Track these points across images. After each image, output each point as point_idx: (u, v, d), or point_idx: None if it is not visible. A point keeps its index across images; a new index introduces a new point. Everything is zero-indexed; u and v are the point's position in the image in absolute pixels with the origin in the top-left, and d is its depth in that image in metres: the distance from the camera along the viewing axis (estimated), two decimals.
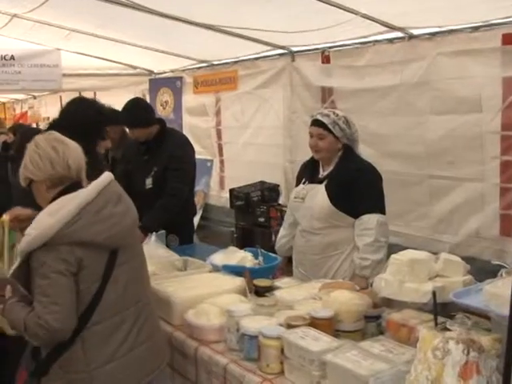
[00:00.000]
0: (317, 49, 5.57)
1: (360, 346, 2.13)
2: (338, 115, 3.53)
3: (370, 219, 3.39)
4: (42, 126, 8.81)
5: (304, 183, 3.67)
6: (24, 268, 2.22)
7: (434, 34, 4.55)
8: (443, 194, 4.61)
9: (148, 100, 8.43)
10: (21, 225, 2.59)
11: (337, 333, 2.38)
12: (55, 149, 2.35)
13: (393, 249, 3.16)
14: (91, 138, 3.07)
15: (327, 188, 3.49)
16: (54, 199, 2.29)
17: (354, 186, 3.42)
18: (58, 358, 2.24)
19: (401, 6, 4.30)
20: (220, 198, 7.33)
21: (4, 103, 14.52)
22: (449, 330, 1.94)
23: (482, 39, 4.20)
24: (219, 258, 3.34)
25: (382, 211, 3.47)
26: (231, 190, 6.49)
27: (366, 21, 4.55)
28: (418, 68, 4.64)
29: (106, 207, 2.29)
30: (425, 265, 2.54)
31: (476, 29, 4.24)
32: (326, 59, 5.50)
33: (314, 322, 2.35)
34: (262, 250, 3.50)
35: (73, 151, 2.40)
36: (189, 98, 7.81)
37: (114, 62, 8.16)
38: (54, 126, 3.09)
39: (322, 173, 3.60)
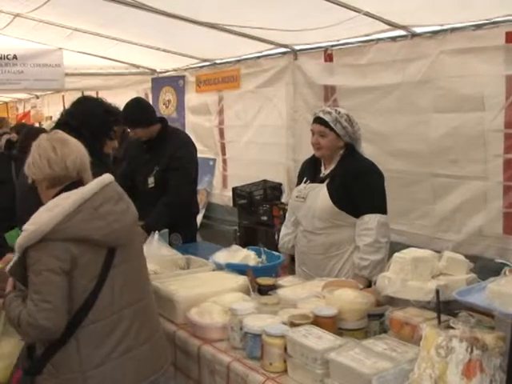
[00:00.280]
0: (319, 47, 5.57)
1: (363, 345, 2.13)
2: (340, 113, 3.49)
3: (371, 219, 3.36)
4: (45, 125, 8.82)
5: (305, 182, 3.63)
6: (21, 264, 2.21)
7: (436, 32, 4.55)
8: (446, 193, 4.61)
9: (151, 99, 8.46)
10: None
11: (340, 331, 2.37)
12: (55, 149, 2.35)
13: (396, 247, 3.14)
14: (99, 138, 3.05)
15: (329, 187, 3.46)
16: (54, 197, 2.30)
17: (356, 185, 3.39)
18: (51, 357, 2.23)
19: (403, 4, 4.30)
20: (223, 196, 7.34)
21: (7, 103, 14.55)
22: (452, 328, 1.93)
23: (485, 37, 4.20)
24: (222, 256, 3.33)
25: (383, 211, 3.44)
26: (234, 189, 6.50)
27: (368, 19, 4.55)
28: (421, 66, 4.64)
29: (106, 205, 2.29)
30: (428, 263, 2.53)
31: (479, 27, 4.24)
32: (328, 57, 5.50)
33: (318, 321, 2.35)
34: (265, 249, 3.49)
35: (73, 151, 2.39)
36: (191, 97, 7.82)
37: (117, 61, 8.18)
38: (61, 125, 3.06)
39: (324, 171, 3.58)
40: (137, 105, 4.45)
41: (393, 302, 2.54)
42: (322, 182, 3.53)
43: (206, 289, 2.87)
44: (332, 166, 3.54)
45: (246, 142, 6.82)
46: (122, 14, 5.71)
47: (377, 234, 3.34)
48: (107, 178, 2.38)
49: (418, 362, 1.87)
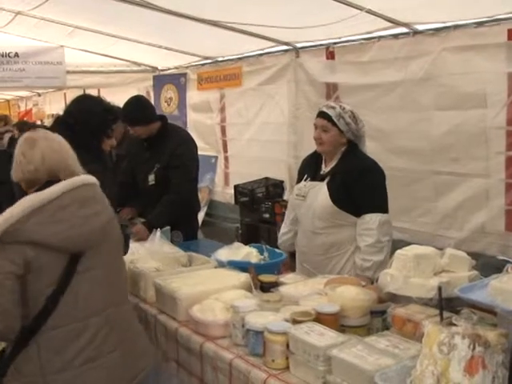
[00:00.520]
0: (321, 45, 5.57)
1: (365, 341, 2.13)
2: (344, 109, 3.43)
3: (372, 219, 3.31)
4: (47, 123, 8.82)
5: (306, 180, 3.59)
6: None
7: (438, 30, 4.55)
8: (448, 190, 4.61)
9: (152, 97, 8.46)
10: None
11: (342, 328, 2.37)
12: (24, 153, 2.34)
13: (398, 245, 3.13)
14: (97, 136, 3.06)
15: (329, 186, 3.41)
16: None
17: (356, 184, 3.34)
18: (14, 359, 2.21)
19: (405, 1, 4.30)
20: (225, 194, 7.34)
21: (8, 100, 14.55)
22: (454, 325, 1.93)
23: (487, 34, 4.19)
24: (224, 253, 3.34)
25: (385, 210, 3.39)
26: (236, 187, 6.50)
27: (370, 16, 4.55)
28: (423, 64, 4.63)
29: (67, 209, 2.23)
30: (430, 260, 2.53)
31: (481, 24, 4.24)
32: (330, 55, 5.50)
33: (320, 318, 2.34)
34: (267, 246, 3.50)
35: (39, 153, 2.32)
36: (193, 95, 7.82)
37: (118, 58, 8.18)
38: (59, 123, 3.08)
39: (324, 169, 3.52)
40: (136, 103, 4.45)
41: (395, 298, 2.54)
42: (322, 179, 3.48)
43: (208, 286, 2.87)
44: (333, 164, 3.49)
45: (248, 140, 6.82)
46: (124, 12, 5.71)
47: (378, 234, 3.30)
48: (79, 180, 2.32)
49: (420, 359, 1.87)
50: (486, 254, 4.20)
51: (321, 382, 2.07)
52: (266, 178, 6.41)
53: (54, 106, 11.68)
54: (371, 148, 3.61)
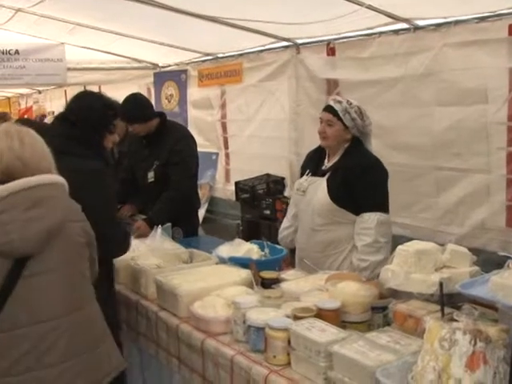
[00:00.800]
0: (322, 41, 5.56)
1: (367, 337, 2.13)
2: (351, 104, 3.39)
3: (371, 218, 3.26)
4: (47, 120, 8.82)
5: (307, 175, 3.56)
6: None
7: (439, 25, 4.53)
8: (449, 186, 4.60)
9: (153, 93, 8.46)
10: None
11: (343, 324, 2.37)
12: None
13: (399, 240, 3.12)
14: (98, 131, 3.06)
15: (329, 182, 3.38)
16: None
17: (357, 181, 3.30)
18: None
19: None
20: (225, 190, 7.33)
21: (9, 98, 14.54)
22: (456, 320, 1.94)
23: (488, 30, 4.18)
24: (225, 250, 3.34)
25: (385, 209, 3.34)
26: (237, 183, 6.50)
27: (371, 12, 4.53)
28: (424, 59, 4.62)
29: (11, 211, 2.16)
30: (431, 256, 2.53)
31: (482, 19, 4.22)
32: (331, 51, 5.49)
33: (321, 314, 2.35)
34: (268, 243, 3.49)
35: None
36: (194, 92, 7.81)
37: (119, 55, 8.17)
38: (60, 119, 3.08)
39: (327, 164, 3.49)
40: (134, 100, 4.45)
41: (396, 294, 2.54)
42: (323, 175, 3.45)
43: (209, 282, 2.87)
44: (335, 159, 3.46)
45: (249, 136, 6.81)
46: (124, 9, 5.70)
47: (376, 234, 3.25)
48: (32, 181, 2.23)
49: (421, 355, 1.87)
50: (486, 250, 4.19)
51: (322, 378, 2.07)
52: (267, 175, 6.41)
53: (55, 103, 11.67)
54: (372, 144, 3.60)
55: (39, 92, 12.32)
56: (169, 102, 8.27)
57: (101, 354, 2.35)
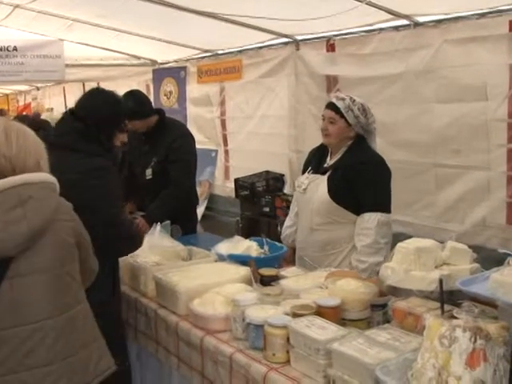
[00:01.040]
0: (322, 37, 5.55)
1: (366, 335, 2.13)
2: (354, 101, 3.34)
3: (371, 218, 3.21)
4: (45, 116, 8.79)
5: (309, 172, 3.53)
6: None
7: (439, 22, 4.53)
8: (449, 183, 4.60)
9: (152, 90, 8.45)
10: None
11: (343, 321, 2.37)
12: None
13: (399, 238, 3.11)
14: (108, 129, 3.01)
15: (329, 180, 3.33)
16: None
17: (356, 178, 3.25)
18: None
19: None
20: (225, 188, 7.33)
21: (7, 95, 14.54)
22: (456, 317, 1.94)
23: (488, 26, 4.18)
24: (224, 247, 3.33)
25: (386, 210, 3.28)
26: (236, 180, 6.50)
27: (371, 8, 4.53)
28: (424, 56, 4.62)
29: None
30: (431, 253, 2.53)
31: (483, 15, 4.22)
32: (331, 47, 5.49)
33: (320, 311, 2.35)
34: (268, 240, 3.49)
35: None
36: (193, 88, 7.80)
37: (118, 52, 8.16)
38: (71, 115, 2.99)
39: (328, 162, 3.45)
40: (133, 97, 4.44)
41: (396, 292, 2.54)
42: (324, 173, 3.41)
43: (208, 280, 2.87)
44: (337, 157, 3.41)
45: (248, 133, 6.81)
46: (123, 5, 5.69)
47: (376, 235, 3.19)
48: (17, 179, 2.17)
49: (421, 352, 1.87)
50: (487, 247, 4.19)
51: (321, 376, 2.07)
52: (267, 172, 6.41)
53: (53, 99, 11.68)
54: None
55: (37, 89, 12.32)
56: (168, 98, 8.26)
57: (88, 358, 2.30)
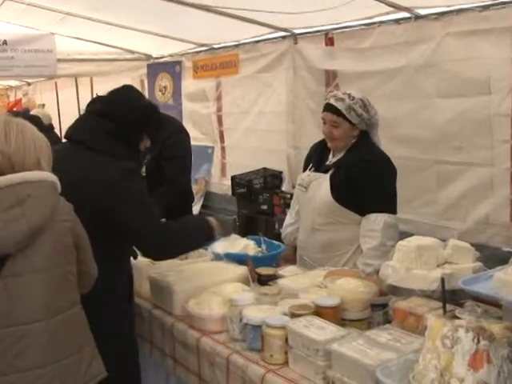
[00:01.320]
0: (320, 31, 5.53)
1: (366, 335, 2.13)
2: (354, 98, 3.25)
3: (377, 219, 3.15)
4: (34, 111, 8.75)
5: (310, 169, 3.48)
6: None
7: (441, 14, 4.51)
8: (451, 180, 4.59)
9: (146, 85, 8.43)
10: None
11: (342, 322, 2.38)
12: None
13: (400, 236, 3.12)
14: (139, 132, 2.87)
15: (332, 179, 3.28)
16: None
17: (361, 179, 3.19)
18: None
19: None
20: (221, 185, 7.33)
21: None
22: (458, 318, 1.94)
23: (492, 18, 4.16)
24: (221, 246, 3.32)
25: (392, 210, 3.23)
26: (233, 178, 6.49)
27: (371, 1, 4.51)
28: (425, 49, 4.60)
29: None
30: (433, 251, 2.53)
31: (486, 8, 4.20)
32: (329, 41, 5.47)
33: (319, 311, 2.35)
34: (265, 238, 3.49)
35: None
36: (188, 83, 7.78)
37: (111, 46, 8.13)
38: (98, 114, 2.82)
39: (331, 159, 3.40)
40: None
41: (396, 291, 2.54)
42: (326, 171, 3.36)
43: (204, 279, 2.88)
44: (340, 155, 3.36)
45: (245, 129, 6.80)
46: None
47: (382, 237, 3.13)
48: (17, 177, 2.18)
49: (422, 353, 1.87)
50: (490, 246, 4.19)
51: (320, 378, 2.07)
52: (264, 169, 6.40)
53: (45, 95, 11.64)
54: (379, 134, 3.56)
55: (29, 84, 12.27)
56: (163, 94, 8.25)
57: (80, 361, 2.30)
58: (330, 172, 3.33)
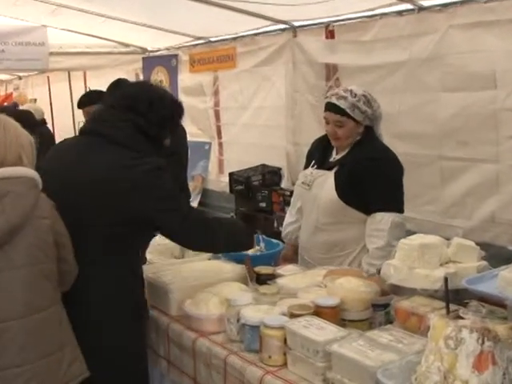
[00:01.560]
0: (320, 23, 5.54)
1: (367, 336, 2.13)
2: (356, 95, 3.22)
3: (384, 219, 3.14)
4: (27, 106, 8.74)
5: (313, 166, 3.46)
6: None
7: (445, 6, 4.50)
8: (455, 176, 4.59)
9: (141, 79, 8.42)
10: None
11: (343, 322, 2.37)
12: None
13: None
14: (164, 128, 2.81)
15: (336, 177, 3.26)
16: None
17: (365, 177, 3.17)
18: None
19: None
20: (219, 182, 7.33)
21: None
22: (462, 318, 1.94)
23: (497, 10, 4.15)
24: None
25: (400, 210, 3.21)
26: (231, 174, 6.50)
27: None
28: (429, 42, 4.60)
29: None
30: (436, 250, 2.53)
31: None
32: (330, 34, 5.47)
33: (319, 311, 2.35)
34: (264, 236, 3.49)
35: None
36: (185, 77, 7.79)
37: (105, 39, 8.12)
38: (123, 109, 2.70)
39: (335, 156, 3.38)
40: (119, 86, 4.43)
41: (398, 290, 2.54)
42: (330, 168, 3.34)
43: (201, 279, 2.88)
44: (344, 152, 3.35)
45: (244, 125, 6.80)
46: None
47: (389, 236, 3.12)
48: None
49: (425, 354, 1.87)
50: (495, 244, 4.19)
51: (320, 379, 2.07)
52: (263, 165, 6.41)
53: (37, 89, 11.63)
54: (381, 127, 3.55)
55: (20, 78, 12.26)
56: None
57: (60, 361, 2.30)
58: (335, 169, 3.31)
